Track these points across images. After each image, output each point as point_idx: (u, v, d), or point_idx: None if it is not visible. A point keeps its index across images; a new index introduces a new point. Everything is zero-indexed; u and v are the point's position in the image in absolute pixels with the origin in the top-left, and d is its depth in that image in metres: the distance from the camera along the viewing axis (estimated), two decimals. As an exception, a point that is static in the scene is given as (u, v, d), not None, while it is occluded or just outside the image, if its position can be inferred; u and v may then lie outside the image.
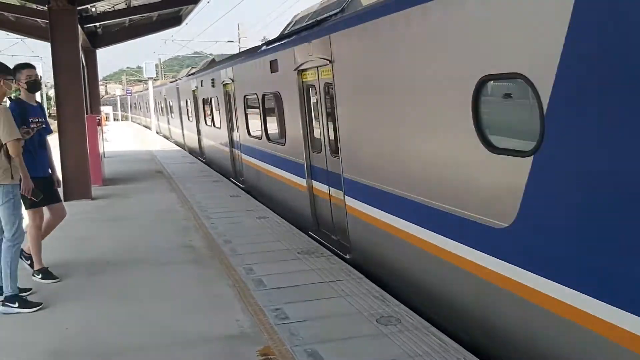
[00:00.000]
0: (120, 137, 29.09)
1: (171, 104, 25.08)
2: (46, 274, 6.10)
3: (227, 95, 13.21)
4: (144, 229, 8.37)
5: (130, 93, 55.08)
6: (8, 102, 5.84)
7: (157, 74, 40.15)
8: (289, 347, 4.23)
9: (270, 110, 9.94)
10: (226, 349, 4.31)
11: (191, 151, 20.45)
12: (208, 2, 23.55)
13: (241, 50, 17.86)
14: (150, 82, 24.51)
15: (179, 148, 22.61)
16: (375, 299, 5.13)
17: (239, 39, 38.39)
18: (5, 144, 5.20)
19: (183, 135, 22.61)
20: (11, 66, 5.78)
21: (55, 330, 4.79)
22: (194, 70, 20.55)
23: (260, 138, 10.46)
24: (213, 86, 14.61)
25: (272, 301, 5.17)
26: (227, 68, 12.89)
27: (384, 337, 4.34)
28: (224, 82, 13.18)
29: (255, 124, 10.97)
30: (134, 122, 51.19)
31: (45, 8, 10.85)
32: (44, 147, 6.18)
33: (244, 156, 12.22)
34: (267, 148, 10.14)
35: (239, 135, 12.38)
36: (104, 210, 9.84)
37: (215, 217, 8.86)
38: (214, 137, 15.58)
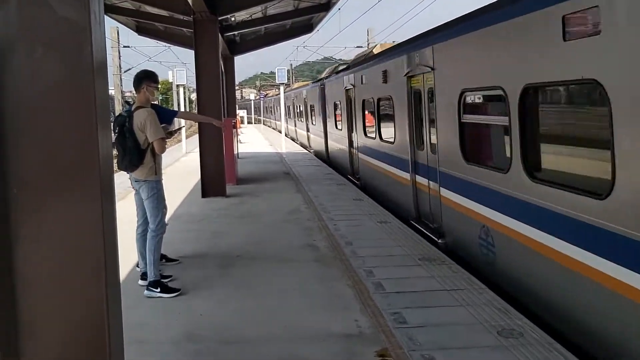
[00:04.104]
0: (253, 139, 30.59)
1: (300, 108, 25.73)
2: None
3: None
4: (271, 227, 8.78)
5: (264, 97, 57.75)
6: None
7: (288, 79, 41.70)
8: (406, 350, 4.26)
9: None
10: (345, 347, 4.43)
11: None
12: (339, 9, 24.03)
13: None
14: (281, 87, 25.40)
15: (305, 151, 23.32)
16: (497, 310, 4.99)
17: (368, 45, 38.75)
18: (152, 142, 5.76)
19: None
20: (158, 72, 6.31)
21: (191, 315, 5.21)
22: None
23: None
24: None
25: (391, 305, 5.21)
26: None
27: (505, 349, 4.22)
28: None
29: None
30: (265, 125, 53.52)
31: (190, 19, 11.78)
32: None
33: None
34: None
35: None
36: (236, 208, 10.46)
37: (337, 219, 9.07)
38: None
